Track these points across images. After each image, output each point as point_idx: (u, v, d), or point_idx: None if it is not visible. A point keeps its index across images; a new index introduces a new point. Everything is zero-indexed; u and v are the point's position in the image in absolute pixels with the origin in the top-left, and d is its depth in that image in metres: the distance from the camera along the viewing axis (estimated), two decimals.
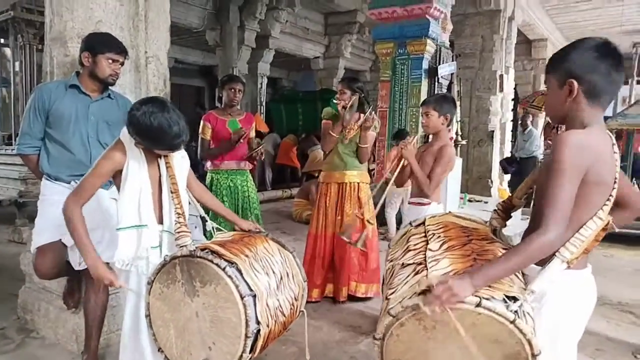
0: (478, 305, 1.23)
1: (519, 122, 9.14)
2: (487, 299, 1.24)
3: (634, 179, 7.66)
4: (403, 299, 1.34)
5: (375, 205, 3.12)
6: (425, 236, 1.60)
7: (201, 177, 3.65)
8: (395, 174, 2.78)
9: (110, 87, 2.41)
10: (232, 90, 3.56)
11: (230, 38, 8.87)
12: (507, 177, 9.19)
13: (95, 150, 2.30)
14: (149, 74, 2.84)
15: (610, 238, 6.03)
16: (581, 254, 1.34)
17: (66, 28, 2.58)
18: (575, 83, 1.32)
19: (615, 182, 1.34)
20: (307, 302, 3.44)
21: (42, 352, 2.68)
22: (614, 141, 1.38)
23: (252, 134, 3.72)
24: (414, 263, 1.49)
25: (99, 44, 2.27)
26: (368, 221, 3.54)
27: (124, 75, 2.62)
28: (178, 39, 10.32)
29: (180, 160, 1.91)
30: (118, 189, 1.81)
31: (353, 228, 2.96)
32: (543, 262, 1.35)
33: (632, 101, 8.62)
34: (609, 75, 1.32)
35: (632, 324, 3.40)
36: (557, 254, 1.32)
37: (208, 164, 3.64)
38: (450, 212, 1.77)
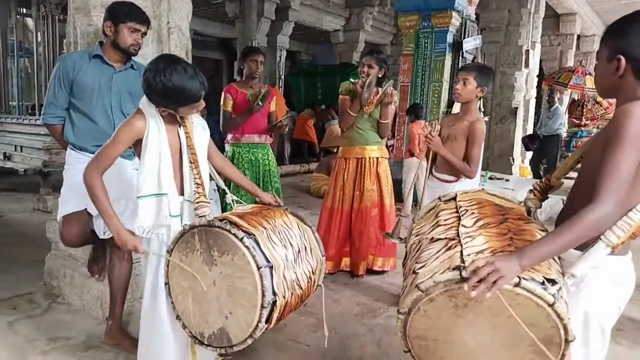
0: (517, 285, 1.18)
1: (546, 98, 8.87)
2: (526, 279, 1.19)
3: None
4: (434, 274, 1.28)
5: (397, 181, 3.09)
6: (457, 212, 1.54)
7: (220, 149, 3.66)
8: (427, 162, 2.75)
9: (133, 58, 2.41)
10: (255, 62, 3.50)
11: (250, 10, 8.75)
12: (529, 155, 9.02)
13: (118, 120, 2.31)
14: (171, 45, 2.83)
15: None
16: (627, 239, 1.27)
17: None
18: (623, 59, 1.25)
19: None
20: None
21: (68, 317, 2.77)
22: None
23: (273, 107, 3.69)
24: (445, 238, 1.43)
25: (121, 12, 2.26)
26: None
27: (146, 46, 2.61)
28: (197, 10, 10.17)
29: (201, 130, 1.91)
30: (139, 157, 1.82)
31: (398, 228, 2.93)
32: (583, 246, 1.29)
33: None
34: None
35: None
36: (602, 237, 1.25)
37: (229, 137, 3.63)
38: (483, 189, 1.71)
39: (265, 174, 3.64)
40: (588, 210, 1.19)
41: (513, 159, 8.42)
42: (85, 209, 2.30)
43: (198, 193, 1.80)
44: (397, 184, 3.78)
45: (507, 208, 1.54)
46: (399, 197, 5.52)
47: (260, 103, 3.38)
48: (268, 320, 1.66)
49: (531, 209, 1.54)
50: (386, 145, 3.85)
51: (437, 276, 1.27)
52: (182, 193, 1.85)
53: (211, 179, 2.07)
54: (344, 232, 3.63)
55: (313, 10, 10.45)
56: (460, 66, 5.91)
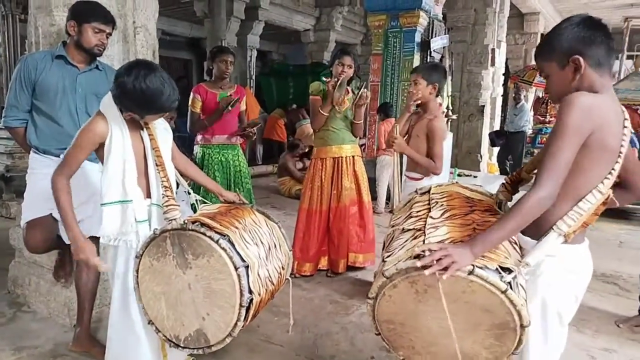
0: (470, 273, 1.25)
1: (513, 95, 9.08)
2: (480, 267, 1.25)
3: None
4: (398, 262, 1.36)
5: (370, 180, 3.15)
6: (428, 204, 1.62)
7: (189, 151, 3.61)
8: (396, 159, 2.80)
9: (98, 58, 2.36)
10: (224, 62, 3.46)
11: (219, 9, 8.67)
12: (496, 151, 9.23)
13: (84, 122, 2.25)
14: (137, 45, 2.78)
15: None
16: (579, 228, 1.33)
17: None
18: (581, 58, 1.31)
19: (619, 155, 1.31)
20: (301, 275, 3.52)
21: (34, 325, 2.69)
22: (627, 116, 1.36)
23: (243, 107, 3.66)
24: (413, 229, 1.50)
25: (85, 12, 2.21)
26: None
27: (112, 46, 2.56)
28: (165, 10, 10.05)
29: (163, 132, 1.89)
30: (102, 162, 1.78)
31: None
32: (539, 236, 1.35)
33: (622, 76, 8.65)
34: (605, 44, 1.33)
35: (616, 295, 3.49)
36: (554, 227, 1.32)
37: (199, 138, 3.58)
38: (457, 182, 1.77)
39: (236, 175, 3.61)
40: (529, 194, 1.26)
41: (481, 156, 8.61)
42: (50, 214, 2.24)
43: (166, 196, 1.78)
44: (370, 183, 3.82)
45: (477, 200, 1.60)
46: (372, 196, 5.58)
47: (230, 108, 3.38)
48: (245, 318, 1.68)
49: (502, 202, 1.59)
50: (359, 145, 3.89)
51: (400, 264, 1.34)
52: (148, 196, 1.83)
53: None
54: (323, 232, 3.64)
55: (283, 9, 10.43)
56: None
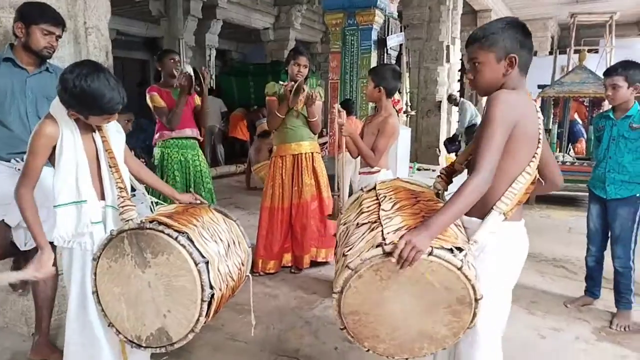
0: (430, 254, 1.36)
1: (452, 97, 9.12)
2: (437, 248, 1.37)
3: (570, 143, 8.18)
4: (361, 253, 1.43)
5: (332, 177, 3.21)
6: (377, 199, 1.70)
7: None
8: (344, 147, 2.86)
9: (48, 61, 2.31)
10: (172, 60, 3.53)
11: (175, 8, 8.54)
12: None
13: (34, 126, 2.21)
14: (89, 46, 2.73)
15: (547, 200, 6.40)
16: (515, 206, 1.51)
17: None
18: (516, 58, 1.49)
19: (539, 141, 1.52)
20: (266, 273, 3.55)
21: None
22: (537, 108, 1.57)
23: (197, 101, 3.62)
24: (368, 222, 1.58)
25: (33, 13, 2.16)
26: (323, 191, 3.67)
27: (62, 48, 2.51)
28: (119, 9, 9.81)
29: (115, 134, 1.88)
30: (53, 165, 1.76)
31: (337, 208, 3.03)
32: (482, 216, 1.51)
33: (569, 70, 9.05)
34: (531, 51, 1.54)
35: (565, 277, 3.70)
36: (494, 207, 1.49)
37: (156, 136, 3.57)
38: (398, 177, 1.88)
39: (196, 175, 3.60)
40: (469, 179, 1.43)
41: (439, 151, 8.84)
42: (2, 220, 2.19)
43: (122, 197, 1.78)
44: (332, 180, 3.88)
45: (419, 192, 1.72)
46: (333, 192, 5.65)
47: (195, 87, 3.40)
48: (207, 314, 1.69)
49: (439, 191, 1.74)
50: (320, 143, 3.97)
51: (364, 254, 1.42)
52: (102, 198, 1.82)
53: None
54: (286, 229, 3.69)
55: (241, 8, 10.37)
56: (384, 62, 6.14)
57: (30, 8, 2.18)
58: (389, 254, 1.36)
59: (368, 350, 1.54)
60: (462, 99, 8.99)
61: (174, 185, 3.46)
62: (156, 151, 3.58)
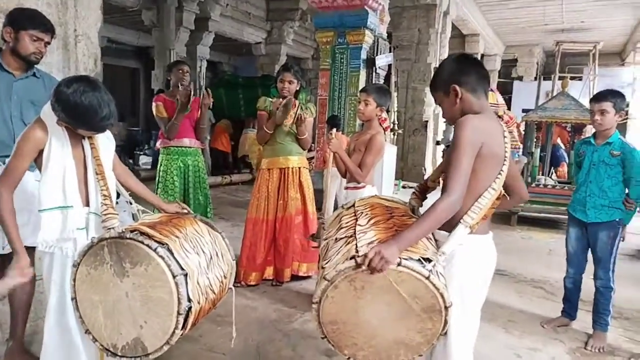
0: (399, 264, 1.43)
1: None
2: (406, 259, 1.44)
3: (552, 167, 8.34)
4: (337, 265, 1.51)
5: (318, 191, 3.24)
6: (355, 215, 1.78)
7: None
8: (330, 163, 2.91)
9: (36, 66, 2.32)
10: (181, 71, 3.78)
11: (168, 19, 8.60)
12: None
13: (18, 130, 2.19)
14: (78, 53, 2.75)
15: (529, 222, 6.47)
16: (481, 220, 1.59)
17: None
18: (457, 86, 1.62)
19: (505, 158, 1.61)
20: (247, 285, 3.55)
21: None
22: (504, 127, 1.67)
23: (199, 114, 3.86)
24: (345, 237, 1.66)
25: (23, 19, 2.17)
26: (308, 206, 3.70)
27: (51, 54, 2.53)
28: (111, 18, 9.86)
29: (105, 141, 1.89)
30: (40, 169, 1.77)
31: (320, 231, 3.06)
32: (450, 229, 1.58)
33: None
34: (475, 72, 1.65)
35: (542, 298, 3.74)
36: (461, 220, 1.56)
37: (158, 143, 3.82)
38: (376, 195, 1.99)
39: (195, 180, 3.83)
40: (440, 199, 1.51)
41: (425, 169, 8.94)
42: None
43: (105, 205, 1.78)
44: (319, 194, 3.92)
45: (394, 208, 1.80)
46: (320, 206, 5.67)
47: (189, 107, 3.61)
48: (184, 326, 1.69)
49: (415, 207, 1.81)
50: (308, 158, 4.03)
51: (339, 266, 1.50)
52: (87, 204, 1.82)
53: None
54: (269, 242, 3.70)
55: (234, 22, 10.48)
56: (373, 81, 6.24)
57: (20, 13, 2.19)
58: (360, 265, 1.43)
59: (349, 358, 1.59)
60: None
61: (172, 190, 3.72)
62: (161, 158, 3.83)
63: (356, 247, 1.51)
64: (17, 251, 1.72)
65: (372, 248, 1.44)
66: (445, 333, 1.53)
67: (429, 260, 1.47)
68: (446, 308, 1.47)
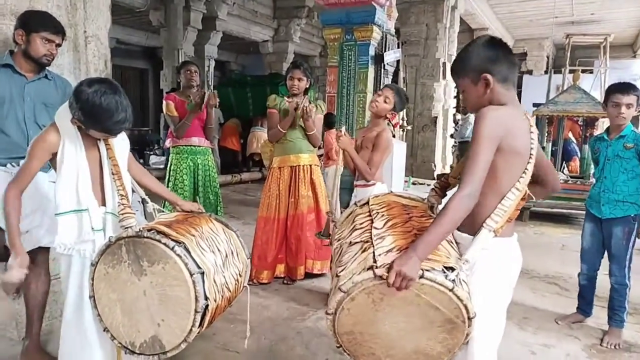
0: (421, 277, 1.35)
1: (461, 107, 9.48)
2: (428, 270, 1.36)
3: (564, 162, 8.25)
4: (353, 275, 1.42)
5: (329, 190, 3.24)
6: (370, 215, 1.69)
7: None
8: (340, 160, 2.90)
9: (47, 68, 2.33)
10: (189, 71, 3.85)
11: (175, 19, 8.62)
12: (450, 161, 9.57)
13: (32, 132, 2.22)
14: (88, 54, 2.76)
15: (541, 217, 6.42)
16: (505, 223, 1.50)
17: None
18: (489, 76, 1.49)
19: (530, 156, 1.49)
20: (259, 283, 3.56)
21: None
22: (532, 122, 1.55)
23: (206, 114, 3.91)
24: (361, 241, 1.57)
25: (34, 21, 2.19)
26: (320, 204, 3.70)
27: (62, 56, 2.54)
28: (120, 19, 9.92)
29: (120, 141, 1.91)
30: (54, 169, 1.79)
31: (328, 227, 3.05)
32: (472, 231, 1.50)
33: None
34: (507, 60, 1.52)
35: (557, 294, 3.71)
36: (484, 224, 1.47)
37: (167, 142, 3.91)
38: (391, 191, 1.87)
39: (205, 179, 3.89)
40: (452, 197, 1.42)
41: (435, 165, 8.90)
42: None
43: (122, 204, 1.79)
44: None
45: (412, 207, 1.71)
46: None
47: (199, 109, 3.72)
48: (200, 324, 1.70)
49: (434, 205, 1.72)
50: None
51: (355, 277, 1.41)
52: (103, 204, 1.84)
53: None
54: (281, 240, 3.70)
55: (241, 20, 10.48)
56: (382, 78, 6.21)
57: (31, 16, 2.21)
58: (379, 277, 1.36)
59: None
60: (469, 114, 9.09)
61: (182, 189, 3.78)
62: (171, 157, 3.89)
63: (374, 255, 1.43)
64: (17, 250, 1.73)
65: (392, 267, 1.35)
66: (467, 342, 1.47)
67: (452, 269, 1.39)
68: (469, 319, 1.40)
